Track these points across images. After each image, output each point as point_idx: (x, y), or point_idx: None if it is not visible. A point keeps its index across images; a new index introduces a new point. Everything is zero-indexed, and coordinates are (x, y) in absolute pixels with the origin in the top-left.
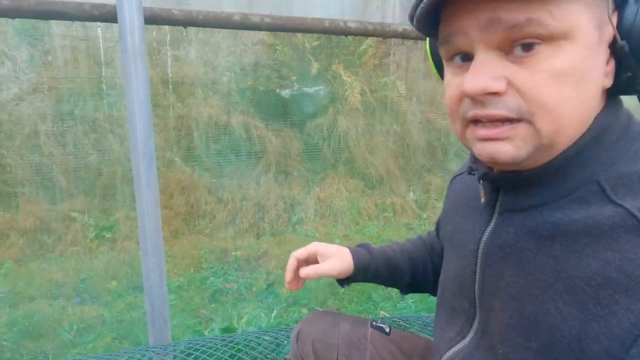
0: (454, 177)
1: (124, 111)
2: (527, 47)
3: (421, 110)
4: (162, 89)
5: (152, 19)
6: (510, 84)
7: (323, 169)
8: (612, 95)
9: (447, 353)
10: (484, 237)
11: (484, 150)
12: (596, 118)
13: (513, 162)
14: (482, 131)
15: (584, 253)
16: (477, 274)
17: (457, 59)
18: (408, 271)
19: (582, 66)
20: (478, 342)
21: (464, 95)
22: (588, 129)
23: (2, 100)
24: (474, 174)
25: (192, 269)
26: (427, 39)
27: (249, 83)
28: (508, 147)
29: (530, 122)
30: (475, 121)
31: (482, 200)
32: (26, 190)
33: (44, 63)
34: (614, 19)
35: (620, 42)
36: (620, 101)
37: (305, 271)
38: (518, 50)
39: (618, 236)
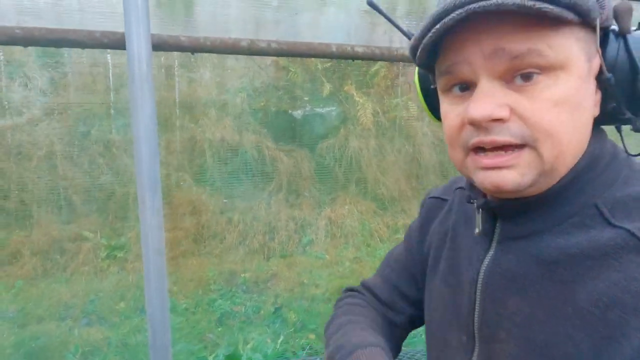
0: (435, 198)
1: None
2: (527, 77)
3: (433, 131)
4: (175, 111)
5: (159, 45)
6: (512, 111)
7: (334, 189)
8: (597, 124)
9: None
10: (483, 266)
11: (488, 178)
12: (588, 145)
13: (517, 189)
14: (486, 160)
15: (589, 276)
16: (476, 305)
17: (456, 90)
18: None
19: (577, 95)
20: None
21: (467, 123)
22: (582, 156)
23: (21, 122)
24: (472, 203)
25: (200, 291)
26: (416, 72)
27: (262, 104)
28: (513, 175)
29: (533, 148)
30: (477, 150)
31: (478, 230)
32: (41, 210)
33: (61, 86)
34: (598, 55)
35: (606, 74)
36: (604, 130)
37: None
38: (518, 80)
39: (621, 257)
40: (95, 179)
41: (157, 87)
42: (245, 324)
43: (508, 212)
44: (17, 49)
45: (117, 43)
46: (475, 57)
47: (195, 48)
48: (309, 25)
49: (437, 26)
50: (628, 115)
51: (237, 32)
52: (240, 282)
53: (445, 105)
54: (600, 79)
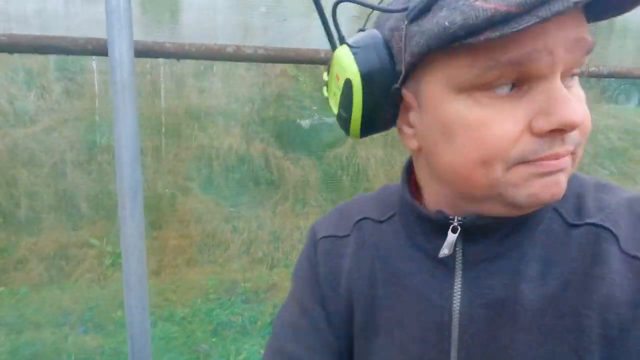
0: (325, 239)
1: (147, 141)
2: (573, 75)
3: None
4: (185, 119)
5: (144, 52)
6: None
7: (341, 199)
8: None
9: None
10: (455, 303)
11: (543, 188)
12: None
13: (561, 196)
14: (555, 162)
15: (578, 281)
16: (452, 350)
17: (505, 89)
18: None
19: None
20: None
21: (560, 127)
22: None
23: (33, 130)
24: (450, 222)
25: (199, 299)
26: (354, 65)
27: (270, 113)
28: (565, 179)
29: (573, 154)
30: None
31: (445, 252)
32: (50, 216)
33: (73, 95)
34: None
35: None
36: None
37: None
38: (569, 78)
39: (600, 253)
40: (104, 185)
41: (165, 95)
42: (240, 335)
43: (483, 230)
44: (32, 58)
45: (102, 49)
46: (559, 46)
47: (180, 54)
48: (298, 31)
49: (536, 19)
50: None
51: (224, 38)
52: (240, 291)
53: (486, 111)
54: None
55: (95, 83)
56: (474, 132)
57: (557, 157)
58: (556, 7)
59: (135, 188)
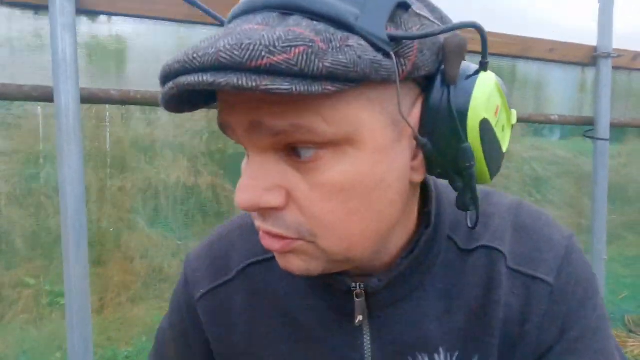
0: (206, 296)
1: (90, 173)
2: (299, 154)
3: None
4: (131, 151)
5: (89, 98)
6: (290, 195)
7: None
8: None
9: None
10: (367, 353)
11: (280, 263)
12: (427, 203)
13: (310, 273)
14: (268, 243)
15: (479, 308)
16: None
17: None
18: None
19: (373, 173)
20: None
21: None
22: (419, 217)
23: None
24: (346, 287)
25: (144, 337)
26: None
27: (220, 146)
28: (298, 262)
29: (311, 242)
30: None
31: (359, 318)
32: None
33: (13, 134)
34: (417, 109)
35: (420, 139)
36: (428, 178)
37: None
38: (296, 155)
39: (493, 276)
40: (42, 221)
41: (111, 127)
42: None
43: (372, 283)
44: None
45: (47, 96)
46: (236, 125)
47: (126, 101)
48: None
49: (160, 98)
50: (459, 183)
51: None
52: None
53: (243, 163)
54: (417, 142)
55: (40, 126)
56: None
57: (266, 232)
58: (164, 97)
59: (80, 231)
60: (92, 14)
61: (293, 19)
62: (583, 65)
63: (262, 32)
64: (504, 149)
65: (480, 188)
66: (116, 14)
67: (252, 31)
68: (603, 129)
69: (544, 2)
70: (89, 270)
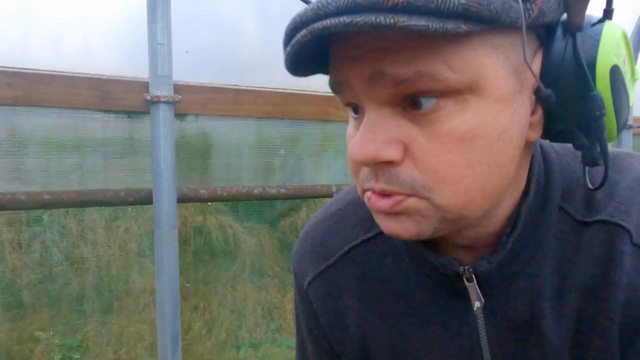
0: (317, 280)
1: (95, 214)
2: (420, 104)
3: None
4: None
5: (181, 198)
6: (407, 149)
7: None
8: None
9: None
10: (481, 328)
11: (386, 227)
12: (531, 170)
13: (420, 236)
14: (377, 203)
15: (594, 288)
16: None
17: (351, 111)
18: None
19: (496, 123)
20: None
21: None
22: (529, 179)
23: None
24: (461, 273)
25: None
26: None
27: None
28: (409, 223)
29: (424, 199)
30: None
31: (477, 305)
32: None
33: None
34: (537, 61)
35: (544, 89)
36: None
37: None
38: (414, 105)
39: (613, 252)
40: (49, 268)
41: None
42: None
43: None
44: None
45: (142, 199)
46: (355, 80)
47: (213, 198)
48: (311, 169)
49: (288, 49)
50: (582, 139)
51: (248, 179)
52: None
53: (349, 126)
54: (538, 94)
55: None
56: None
57: (379, 192)
58: (293, 47)
59: (174, 337)
60: (184, 115)
61: None
62: None
63: None
64: (631, 103)
65: (611, 153)
66: (206, 115)
67: None
68: None
69: None
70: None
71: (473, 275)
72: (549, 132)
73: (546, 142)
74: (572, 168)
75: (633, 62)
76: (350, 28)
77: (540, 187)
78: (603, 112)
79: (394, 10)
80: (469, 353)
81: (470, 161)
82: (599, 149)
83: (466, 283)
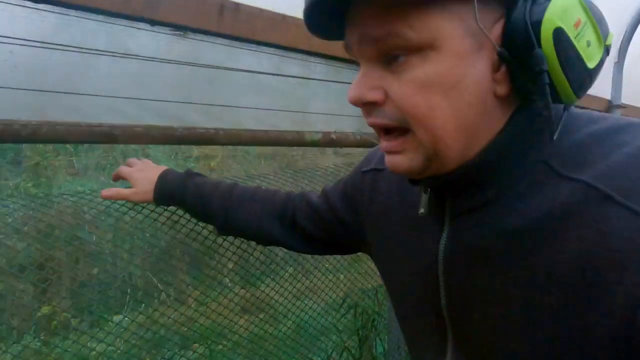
0: (373, 170)
1: None
2: (394, 59)
3: None
4: None
5: None
6: (387, 93)
7: None
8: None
9: None
10: (441, 248)
11: (388, 162)
12: (511, 120)
13: (411, 171)
14: (385, 143)
15: (557, 238)
16: (441, 289)
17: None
18: (220, 217)
19: (450, 74)
20: (462, 355)
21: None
22: (503, 131)
23: None
24: (416, 184)
25: None
26: None
27: None
28: (402, 159)
29: (412, 132)
30: (386, 132)
31: (423, 210)
32: None
33: None
34: (499, 25)
35: (498, 49)
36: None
37: (106, 193)
38: (392, 62)
39: (585, 211)
40: None
41: None
42: None
43: (456, 186)
44: None
45: None
46: (352, 41)
47: None
48: None
49: (304, 9)
50: (535, 95)
51: None
52: None
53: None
54: (499, 53)
55: None
56: None
57: (373, 125)
58: (306, 10)
59: None
60: None
61: None
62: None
63: None
64: (590, 65)
65: (619, 122)
66: None
67: None
68: None
69: None
70: None
71: (428, 189)
72: (512, 88)
73: (587, 113)
74: (585, 129)
75: (597, 28)
76: None
77: (519, 139)
78: (543, 67)
79: None
80: (427, 267)
81: (431, 104)
82: (543, 103)
83: (422, 194)
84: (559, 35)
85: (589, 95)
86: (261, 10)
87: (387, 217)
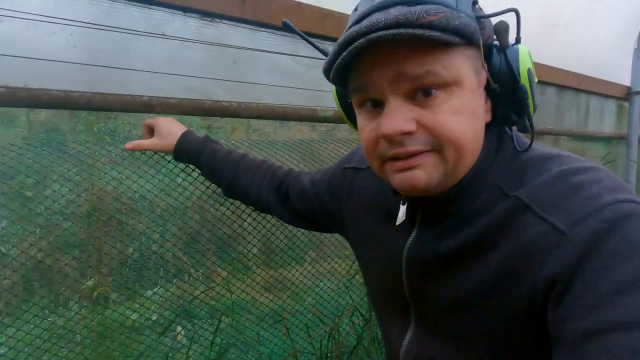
0: (354, 168)
1: None
2: (427, 94)
3: None
4: None
5: None
6: (419, 123)
7: None
8: (489, 127)
9: (403, 344)
10: (406, 248)
11: (404, 179)
12: (483, 144)
13: (427, 188)
14: (400, 163)
15: (494, 246)
16: (403, 277)
17: (369, 105)
18: (227, 181)
19: (470, 105)
20: (422, 328)
21: (381, 137)
22: (480, 153)
23: None
24: (395, 195)
25: None
26: (334, 88)
27: None
28: (423, 174)
29: (439, 152)
30: (393, 158)
31: (400, 219)
32: None
33: None
34: (484, 70)
35: (492, 84)
36: (491, 128)
37: (129, 145)
38: (420, 96)
39: (512, 219)
40: None
41: None
42: None
43: (430, 202)
44: None
45: None
46: (381, 79)
47: None
48: None
49: (344, 53)
50: (514, 118)
51: None
52: None
53: (361, 120)
54: (488, 89)
55: None
56: (361, 135)
57: (404, 155)
58: (350, 52)
59: None
60: None
61: (421, 5)
62: (620, 99)
63: (412, 7)
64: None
65: (549, 153)
66: None
67: (403, 8)
68: (633, 143)
69: (594, 51)
70: None
71: (407, 203)
72: (494, 116)
73: (526, 141)
74: (524, 156)
75: (535, 69)
76: (397, 37)
77: (485, 162)
78: (527, 96)
79: (422, 26)
80: (393, 261)
81: (461, 128)
82: (527, 123)
83: (401, 206)
84: (530, 73)
85: (608, 82)
86: None
87: (363, 212)
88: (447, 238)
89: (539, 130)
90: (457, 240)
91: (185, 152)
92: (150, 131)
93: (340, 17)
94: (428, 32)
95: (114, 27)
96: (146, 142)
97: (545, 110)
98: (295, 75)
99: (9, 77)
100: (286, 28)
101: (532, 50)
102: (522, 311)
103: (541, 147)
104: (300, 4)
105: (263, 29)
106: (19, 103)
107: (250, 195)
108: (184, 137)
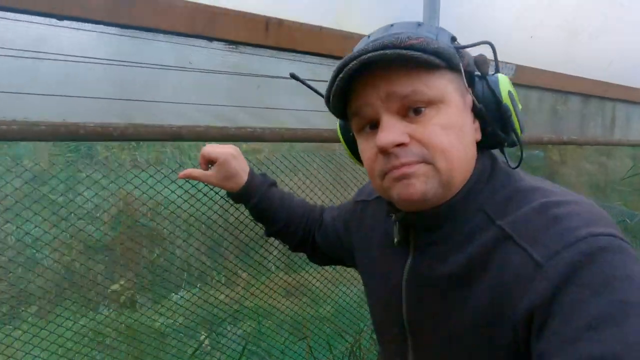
0: (363, 201)
1: None
2: (416, 111)
3: None
4: None
5: None
6: (411, 137)
7: None
8: (480, 148)
9: None
10: (405, 272)
11: (401, 188)
12: (475, 164)
13: (424, 197)
14: (396, 171)
15: (481, 273)
16: (403, 305)
17: (367, 129)
18: (277, 227)
19: (457, 121)
20: (418, 357)
21: (379, 152)
22: (472, 173)
23: None
24: (390, 216)
25: None
26: (337, 125)
27: None
28: (418, 183)
29: (431, 163)
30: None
31: (396, 240)
32: None
33: None
34: (469, 94)
35: (478, 105)
36: (486, 150)
37: (184, 172)
38: (411, 113)
39: (497, 249)
40: None
41: None
42: None
43: (420, 222)
44: None
45: None
46: (374, 99)
47: None
48: None
49: (341, 75)
50: (501, 135)
51: None
52: None
53: (362, 143)
54: (475, 110)
55: None
56: (363, 157)
57: (399, 167)
58: (345, 74)
59: None
60: None
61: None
62: None
63: (398, 35)
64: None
65: (533, 184)
66: None
67: (391, 36)
68: None
69: (619, 59)
70: None
71: (397, 222)
72: (483, 135)
73: (513, 171)
74: (512, 185)
75: (517, 94)
76: (385, 57)
77: (475, 186)
78: (509, 113)
79: (405, 47)
80: (394, 288)
81: (450, 141)
82: (514, 137)
83: (398, 224)
84: (511, 95)
85: (631, 88)
86: (301, 24)
87: (369, 242)
88: (438, 263)
89: (562, 142)
90: (448, 266)
91: (244, 200)
92: (208, 161)
93: (360, 39)
94: (410, 52)
95: (145, 64)
96: (204, 174)
97: (570, 119)
98: (317, 97)
99: (49, 112)
100: (293, 78)
101: (557, 60)
102: (509, 342)
103: (530, 177)
104: (322, 28)
105: (285, 54)
106: (59, 138)
107: (294, 239)
108: (248, 185)
